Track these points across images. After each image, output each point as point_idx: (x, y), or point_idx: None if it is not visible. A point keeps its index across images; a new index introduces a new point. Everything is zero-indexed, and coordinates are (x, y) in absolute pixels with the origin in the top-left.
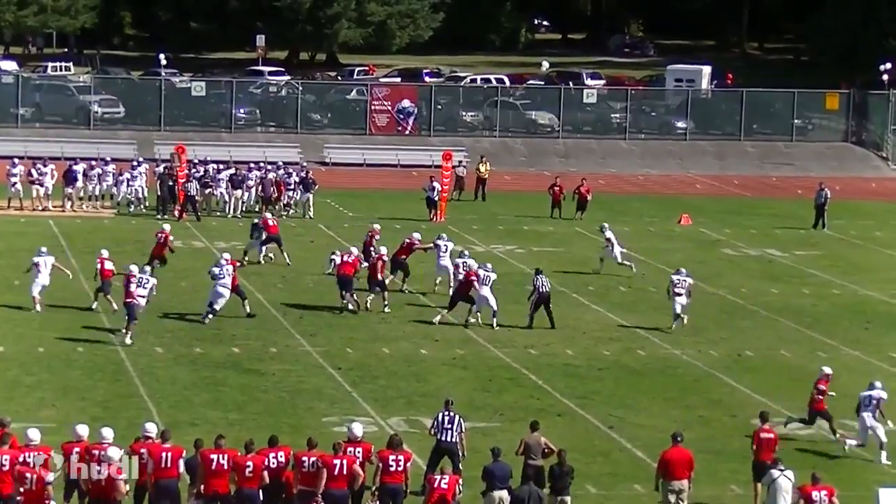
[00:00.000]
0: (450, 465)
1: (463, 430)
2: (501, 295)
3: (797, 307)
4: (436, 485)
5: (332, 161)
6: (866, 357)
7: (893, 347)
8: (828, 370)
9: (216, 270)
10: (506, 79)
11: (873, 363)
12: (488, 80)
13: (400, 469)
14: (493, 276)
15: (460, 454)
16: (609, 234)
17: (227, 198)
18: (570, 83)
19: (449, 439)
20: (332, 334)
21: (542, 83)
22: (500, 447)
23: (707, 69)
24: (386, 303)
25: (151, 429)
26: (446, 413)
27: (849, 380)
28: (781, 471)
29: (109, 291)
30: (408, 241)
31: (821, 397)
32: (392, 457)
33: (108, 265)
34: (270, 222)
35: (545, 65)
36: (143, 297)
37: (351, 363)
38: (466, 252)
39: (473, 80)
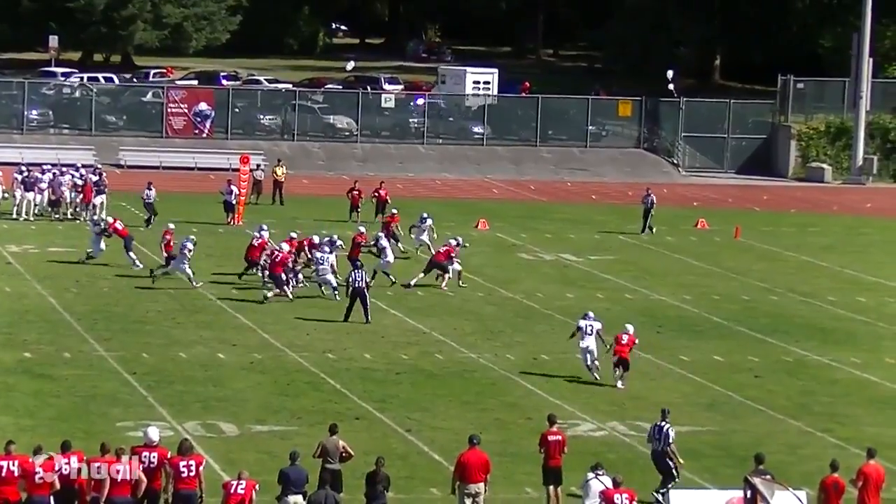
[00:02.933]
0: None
1: (671, 440)
2: (306, 301)
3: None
4: (232, 490)
5: (127, 164)
6: (658, 360)
7: (684, 350)
8: None
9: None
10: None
11: (664, 366)
12: (275, 82)
13: (192, 474)
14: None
15: (673, 462)
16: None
17: (16, 200)
18: (369, 88)
19: (659, 448)
20: (127, 339)
21: (341, 87)
22: (297, 451)
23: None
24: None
25: None
26: (659, 423)
27: (641, 383)
28: (597, 475)
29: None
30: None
31: None
32: (183, 463)
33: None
34: (119, 226)
35: (351, 63)
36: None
37: (147, 368)
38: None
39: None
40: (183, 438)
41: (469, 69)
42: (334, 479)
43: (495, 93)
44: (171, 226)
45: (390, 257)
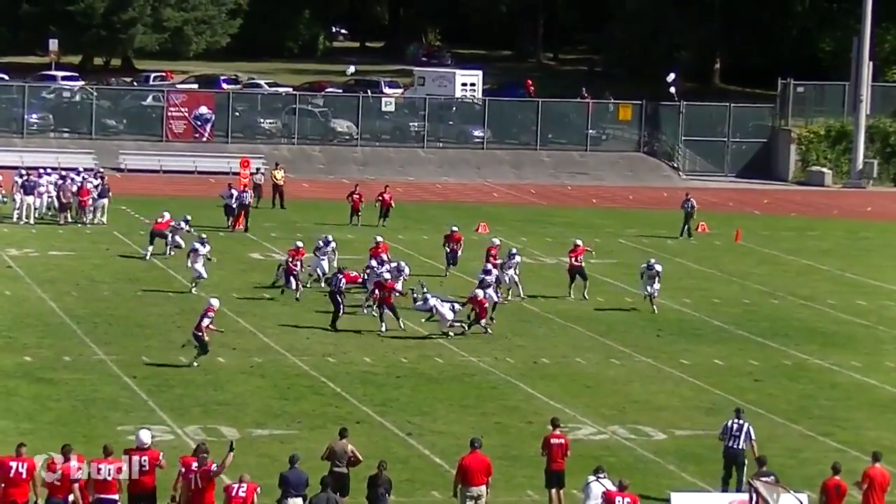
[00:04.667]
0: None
1: (752, 438)
2: (305, 305)
3: (592, 315)
4: (234, 493)
5: (127, 167)
6: (658, 364)
7: (684, 354)
8: None
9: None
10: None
11: (665, 370)
12: (275, 86)
13: None
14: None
15: (746, 462)
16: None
17: (16, 203)
18: (369, 91)
19: (735, 446)
20: (127, 343)
21: (341, 91)
22: (297, 454)
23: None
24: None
25: None
26: (736, 421)
27: (641, 387)
28: (598, 478)
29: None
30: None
31: None
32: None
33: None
34: (159, 220)
35: (351, 68)
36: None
37: (147, 372)
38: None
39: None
40: (201, 442)
41: (458, 71)
42: (340, 482)
43: (480, 94)
44: (300, 244)
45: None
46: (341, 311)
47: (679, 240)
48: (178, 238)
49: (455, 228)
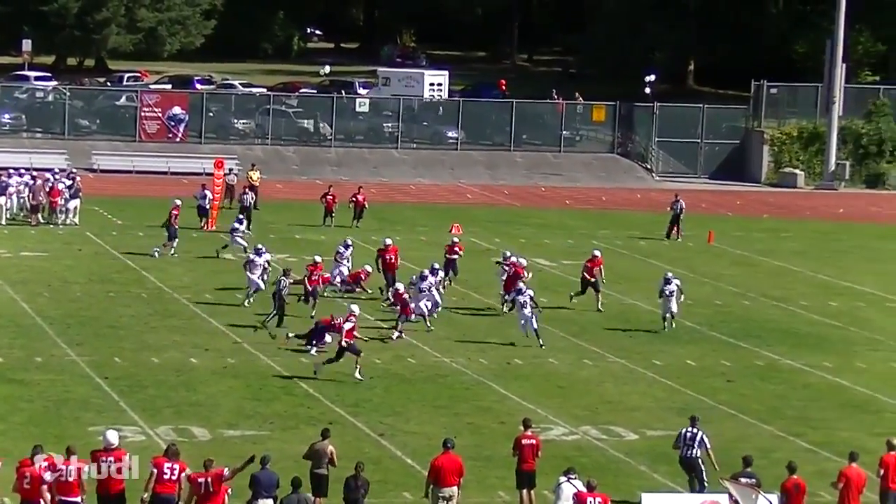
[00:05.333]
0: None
1: (708, 446)
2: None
3: (565, 316)
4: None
5: (100, 168)
6: (631, 364)
7: (657, 355)
8: None
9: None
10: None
11: (637, 370)
12: (249, 86)
13: (174, 478)
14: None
15: (704, 468)
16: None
17: None
18: (343, 92)
19: (690, 455)
20: (99, 343)
21: (315, 91)
22: (268, 455)
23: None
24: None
25: None
26: (690, 430)
27: (614, 387)
28: (569, 479)
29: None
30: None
31: None
32: (167, 465)
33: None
34: (176, 211)
35: (326, 68)
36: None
37: (119, 372)
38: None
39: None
40: (171, 443)
41: (426, 71)
42: (320, 483)
43: (446, 94)
44: (319, 259)
45: (436, 297)
46: (282, 312)
47: (669, 241)
48: (238, 239)
49: (456, 240)
